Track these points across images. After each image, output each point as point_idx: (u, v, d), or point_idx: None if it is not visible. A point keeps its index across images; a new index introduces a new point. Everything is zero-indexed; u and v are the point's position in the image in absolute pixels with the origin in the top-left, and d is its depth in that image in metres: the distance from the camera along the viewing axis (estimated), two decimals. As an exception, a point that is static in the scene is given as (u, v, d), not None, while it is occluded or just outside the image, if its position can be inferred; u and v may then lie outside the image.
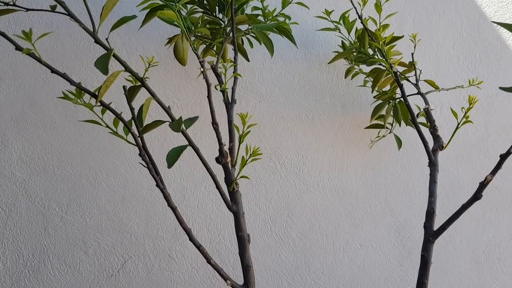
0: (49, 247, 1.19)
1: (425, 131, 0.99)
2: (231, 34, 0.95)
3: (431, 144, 0.97)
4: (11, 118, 1.17)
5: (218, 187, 0.81)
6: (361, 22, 0.98)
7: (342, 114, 1.25)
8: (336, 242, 1.27)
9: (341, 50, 1.17)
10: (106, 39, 0.67)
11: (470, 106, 0.86)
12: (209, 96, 0.79)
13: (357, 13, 0.98)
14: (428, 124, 1.02)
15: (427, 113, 0.99)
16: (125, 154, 1.20)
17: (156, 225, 1.21)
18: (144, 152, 0.77)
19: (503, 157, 0.74)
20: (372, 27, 1.13)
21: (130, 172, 1.20)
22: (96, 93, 0.66)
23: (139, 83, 0.73)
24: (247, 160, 0.79)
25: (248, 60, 1.09)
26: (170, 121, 0.76)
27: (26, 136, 1.18)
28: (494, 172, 0.76)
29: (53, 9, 0.64)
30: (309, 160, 1.25)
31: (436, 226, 0.89)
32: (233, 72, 0.90)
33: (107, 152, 1.19)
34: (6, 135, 1.17)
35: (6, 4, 0.66)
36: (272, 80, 1.23)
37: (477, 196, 0.78)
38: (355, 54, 1.11)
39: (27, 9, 0.66)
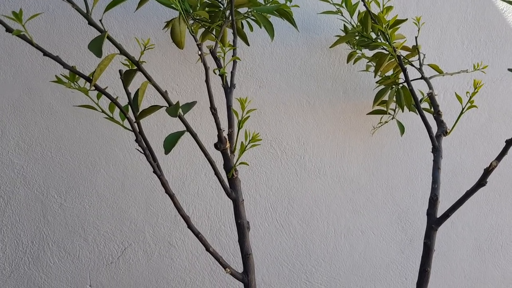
0: (49, 234, 1.19)
1: (428, 117, 0.97)
2: (230, 17, 0.93)
3: (434, 130, 0.95)
4: (8, 104, 1.15)
5: (217, 173, 0.80)
6: (364, 4, 0.96)
7: (344, 100, 1.23)
8: (337, 229, 1.26)
9: (343, 34, 1.15)
10: (100, 20, 0.65)
11: (475, 90, 0.84)
12: (207, 80, 0.77)
13: (359, -5, 0.96)
14: (432, 109, 1.00)
15: (431, 98, 0.97)
16: (124, 141, 1.18)
17: (156, 212, 1.20)
18: (140, 138, 0.75)
19: (509, 143, 0.73)
20: (375, 9, 1.10)
21: (129, 159, 1.19)
22: (90, 77, 0.65)
23: (135, 67, 0.71)
24: (246, 146, 0.78)
25: (248, 44, 1.07)
26: (168, 106, 0.75)
27: (23, 123, 1.16)
28: (499, 158, 0.74)
29: (45, -11, 0.62)
30: (310, 146, 1.23)
31: (438, 213, 0.88)
32: (232, 56, 0.88)
33: (106, 139, 1.18)
34: (3, 122, 1.16)
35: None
36: (273, 65, 1.20)
37: (481, 182, 0.77)
38: (357, 38, 1.08)
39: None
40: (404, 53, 1.10)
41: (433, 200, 0.87)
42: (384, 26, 0.92)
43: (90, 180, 1.19)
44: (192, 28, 0.99)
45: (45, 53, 0.63)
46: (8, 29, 0.59)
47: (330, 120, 1.23)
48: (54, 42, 1.15)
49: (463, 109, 0.87)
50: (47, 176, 1.18)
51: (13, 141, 1.16)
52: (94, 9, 0.69)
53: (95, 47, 0.59)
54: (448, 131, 0.91)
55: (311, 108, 1.22)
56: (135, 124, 0.75)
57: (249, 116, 0.77)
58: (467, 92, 0.88)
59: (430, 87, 1.01)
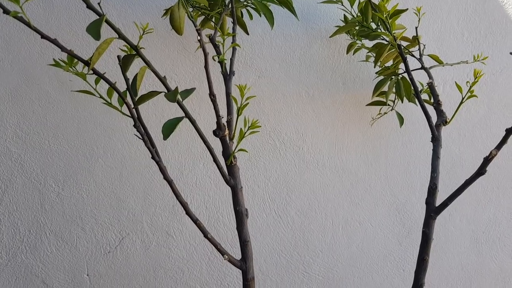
0: (46, 223, 1.18)
1: (427, 108, 0.96)
2: (230, 5, 0.92)
3: (433, 120, 0.94)
4: (6, 92, 1.15)
5: (215, 160, 0.79)
6: (364, -7, 0.95)
7: (343, 91, 1.23)
8: (335, 220, 1.26)
9: (343, 24, 1.14)
10: (99, 3, 0.64)
11: (476, 80, 0.84)
12: (206, 66, 0.77)
13: (360, -17, 0.95)
14: (431, 100, 1.00)
15: (431, 87, 0.97)
16: (122, 130, 1.18)
17: (154, 202, 1.20)
18: (139, 123, 0.75)
19: (509, 131, 0.72)
20: (375, -1, 1.10)
21: (127, 148, 1.18)
22: (88, 61, 0.64)
23: (134, 52, 0.71)
24: (245, 133, 0.77)
25: (248, 33, 1.06)
26: (166, 91, 0.74)
27: (21, 111, 1.15)
28: (499, 146, 0.74)
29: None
30: (309, 137, 1.23)
31: (437, 203, 0.88)
32: (232, 43, 0.87)
33: (104, 128, 1.17)
34: (1, 110, 1.15)
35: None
36: (272, 55, 1.20)
37: (481, 171, 0.77)
38: (357, 28, 1.08)
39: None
40: (404, 43, 1.10)
41: (432, 189, 0.87)
42: (385, 15, 0.91)
43: (88, 169, 1.18)
44: (192, 14, 0.98)
45: (43, 36, 0.62)
46: (6, 11, 0.58)
47: (329, 111, 1.23)
48: (52, 29, 1.14)
49: (463, 98, 0.87)
50: (44, 165, 1.17)
51: (10, 129, 1.15)
52: (93, -7, 0.68)
53: (94, 29, 0.59)
54: (448, 120, 0.91)
55: (310, 99, 1.22)
56: (134, 110, 0.74)
57: (248, 103, 0.77)
58: (467, 82, 0.88)
59: (430, 76, 1.00)
